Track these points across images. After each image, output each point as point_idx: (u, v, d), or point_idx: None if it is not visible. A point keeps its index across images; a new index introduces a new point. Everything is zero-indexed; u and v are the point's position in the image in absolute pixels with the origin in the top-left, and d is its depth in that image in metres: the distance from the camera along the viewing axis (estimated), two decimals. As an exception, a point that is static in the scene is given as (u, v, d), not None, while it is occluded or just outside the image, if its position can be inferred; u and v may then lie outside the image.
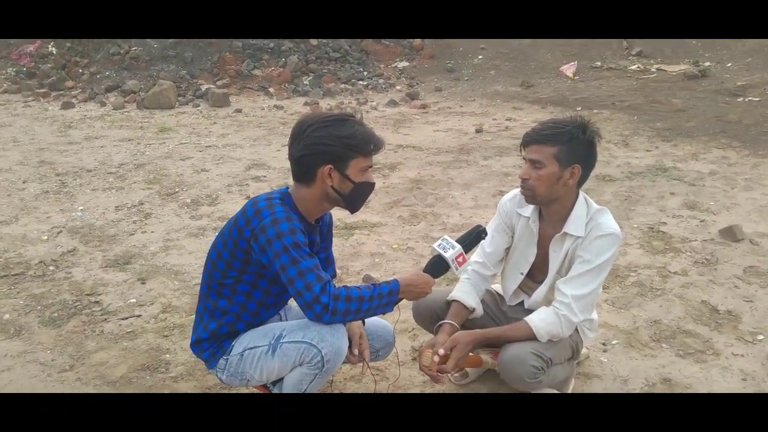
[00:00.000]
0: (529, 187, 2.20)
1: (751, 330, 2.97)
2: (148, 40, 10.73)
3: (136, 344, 2.97)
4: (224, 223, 2.22)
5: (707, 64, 11.56)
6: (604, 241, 2.19)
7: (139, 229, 4.43)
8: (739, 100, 8.88)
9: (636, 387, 2.54)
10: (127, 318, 3.22)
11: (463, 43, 12.88)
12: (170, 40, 10.75)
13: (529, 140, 2.19)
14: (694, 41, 13.07)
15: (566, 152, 2.14)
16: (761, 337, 2.90)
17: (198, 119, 8.36)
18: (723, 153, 6.26)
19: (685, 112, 8.21)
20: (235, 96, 9.70)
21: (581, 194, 2.28)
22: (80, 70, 10.58)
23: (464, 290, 2.42)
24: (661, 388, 2.52)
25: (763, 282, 3.45)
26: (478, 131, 7.42)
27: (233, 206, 4.71)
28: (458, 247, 2.15)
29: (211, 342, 2.12)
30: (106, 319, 3.22)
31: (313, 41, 11.44)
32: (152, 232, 4.38)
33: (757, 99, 8.86)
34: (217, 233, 2.21)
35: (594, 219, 2.24)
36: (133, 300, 3.41)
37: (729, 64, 11.57)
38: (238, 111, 8.78)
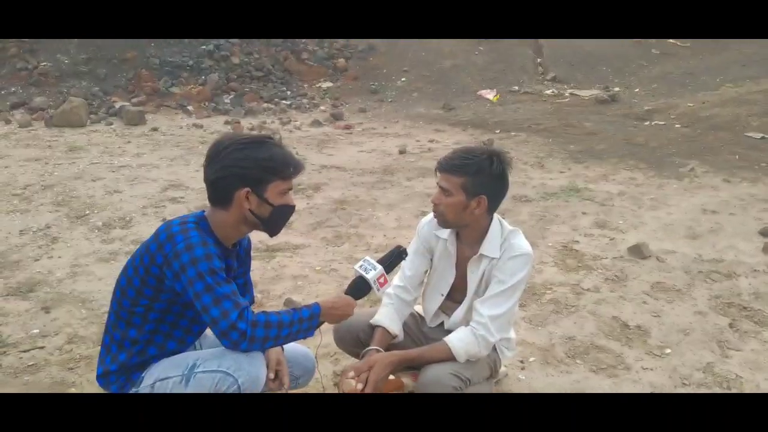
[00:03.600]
0: (440, 212, 2.27)
1: (659, 344, 3.12)
2: (59, 55, 10.28)
3: (39, 378, 2.78)
4: (137, 247, 2.12)
5: (617, 89, 12.26)
6: (517, 261, 2.25)
7: (44, 255, 4.17)
8: (645, 123, 9.43)
9: (553, 403, 2.61)
10: (28, 350, 3.01)
11: (387, 65, 13.09)
12: (82, 55, 10.34)
13: (441, 168, 2.26)
14: (604, 68, 13.85)
15: (472, 184, 2.20)
16: (668, 350, 3.05)
17: (111, 138, 8.05)
18: (631, 174, 6.62)
19: (596, 135, 8.64)
20: (151, 114, 9.42)
21: (495, 217, 2.34)
22: (-18, 86, 9.99)
23: (388, 316, 2.42)
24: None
25: (669, 297, 3.64)
26: (401, 152, 7.52)
27: (148, 229, 4.53)
28: (379, 268, 2.15)
29: (120, 374, 2.00)
30: (5, 352, 2.99)
31: (235, 59, 11.30)
32: (59, 257, 4.14)
33: (662, 123, 9.45)
34: (127, 261, 2.10)
35: (508, 240, 2.30)
36: (36, 330, 3.20)
37: (636, 90, 12.30)
38: (155, 129, 8.52)
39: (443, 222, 2.30)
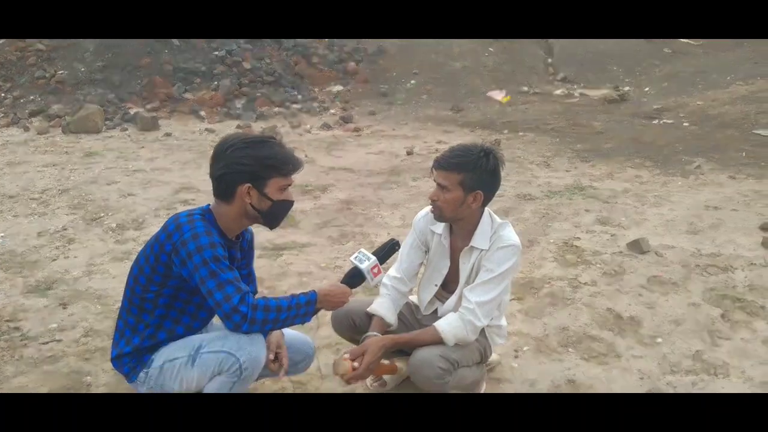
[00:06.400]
0: (437, 207, 2.39)
1: (651, 334, 3.21)
2: (75, 63, 10.55)
3: (57, 368, 2.94)
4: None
5: (627, 88, 12.26)
6: (505, 252, 2.37)
7: (61, 255, 4.35)
8: (654, 122, 9.46)
9: (543, 389, 2.71)
10: (47, 342, 3.18)
11: (397, 68, 13.21)
12: (98, 63, 10.59)
13: (438, 165, 2.37)
14: (615, 67, 13.86)
15: (470, 179, 2.33)
16: (660, 339, 3.14)
17: (126, 143, 8.25)
18: (636, 172, 6.68)
19: (604, 135, 8.69)
20: (165, 120, 9.62)
21: (486, 210, 2.46)
22: (2, 94, 10.25)
23: (384, 306, 2.54)
24: (565, 389, 2.70)
25: (665, 290, 3.72)
26: (409, 153, 7.63)
27: (161, 229, 4.69)
28: (373, 259, 2.29)
29: (132, 356, 2.16)
30: (25, 345, 3.16)
31: (247, 65, 11.49)
32: (75, 257, 4.31)
33: (671, 121, 9.46)
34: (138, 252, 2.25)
35: (497, 232, 2.42)
36: (54, 325, 3.36)
37: (647, 89, 12.30)
38: (168, 135, 8.72)
39: (440, 216, 2.42)
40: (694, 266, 4.05)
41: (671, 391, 2.69)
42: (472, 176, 2.32)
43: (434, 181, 2.39)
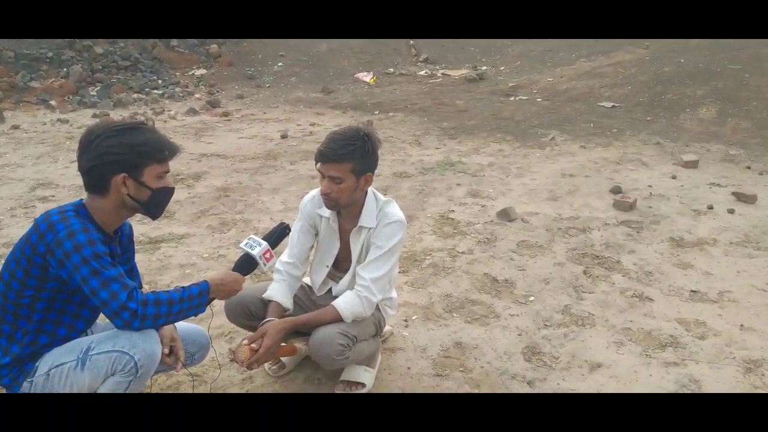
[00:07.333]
0: (333, 198, 2.41)
1: (524, 293, 3.48)
2: None
3: None
4: (10, 250, 2.09)
5: (484, 68, 12.92)
6: (391, 228, 2.46)
7: None
8: (511, 99, 10.07)
9: (433, 353, 2.87)
10: None
11: (262, 50, 12.96)
12: None
13: (326, 159, 2.36)
14: (472, 48, 14.52)
15: (359, 165, 2.37)
16: (532, 298, 3.42)
17: (-34, 138, 7.45)
18: (499, 146, 7.11)
19: (467, 112, 9.14)
20: (10, 111, 8.79)
21: (370, 189, 2.53)
22: None
23: (280, 291, 2.54)
24: (453, 352, 2.88)
25: (533, 253, 4.04)
26: (283, 137, 7.57)
27: (19, 231, 4.32)
28: (264, 244, 2.27)
29: (12, 366, 2.00)
30: None
31: (99, 49, 10.74)
32: None
33: (525, 98, 10.13)
34: (7, 256, 2.08)
35: (382, 210, 2.51)
36: None
37: (502, 68, 13.03)
38: (16, 127, 7.97)
39: (336, 206, 2.45)
40: (557, 230, 4.43)
41: (547, 344, 2.95)
42: (360, 162, 2.37)
43: (321, 173, 2.39)
